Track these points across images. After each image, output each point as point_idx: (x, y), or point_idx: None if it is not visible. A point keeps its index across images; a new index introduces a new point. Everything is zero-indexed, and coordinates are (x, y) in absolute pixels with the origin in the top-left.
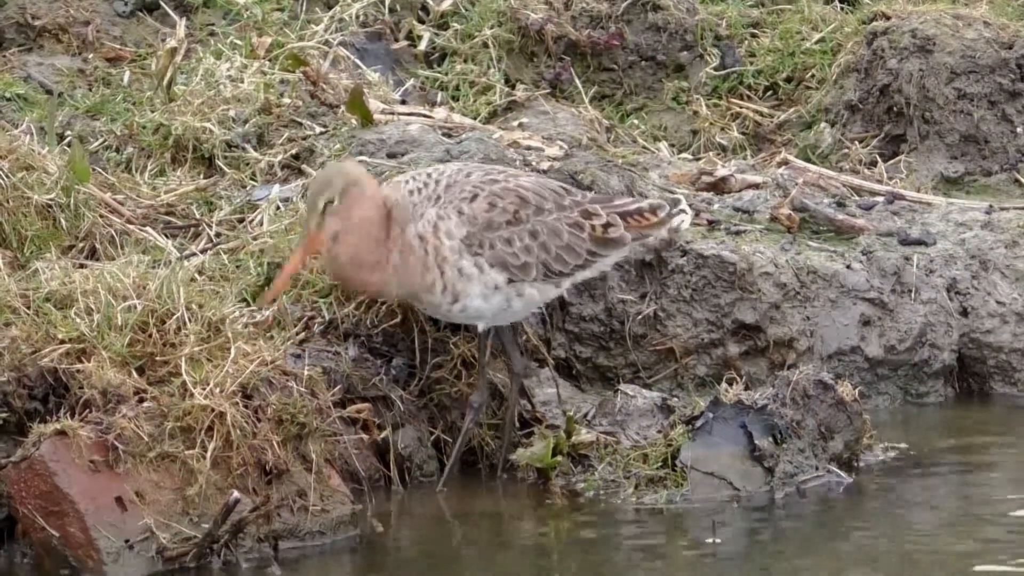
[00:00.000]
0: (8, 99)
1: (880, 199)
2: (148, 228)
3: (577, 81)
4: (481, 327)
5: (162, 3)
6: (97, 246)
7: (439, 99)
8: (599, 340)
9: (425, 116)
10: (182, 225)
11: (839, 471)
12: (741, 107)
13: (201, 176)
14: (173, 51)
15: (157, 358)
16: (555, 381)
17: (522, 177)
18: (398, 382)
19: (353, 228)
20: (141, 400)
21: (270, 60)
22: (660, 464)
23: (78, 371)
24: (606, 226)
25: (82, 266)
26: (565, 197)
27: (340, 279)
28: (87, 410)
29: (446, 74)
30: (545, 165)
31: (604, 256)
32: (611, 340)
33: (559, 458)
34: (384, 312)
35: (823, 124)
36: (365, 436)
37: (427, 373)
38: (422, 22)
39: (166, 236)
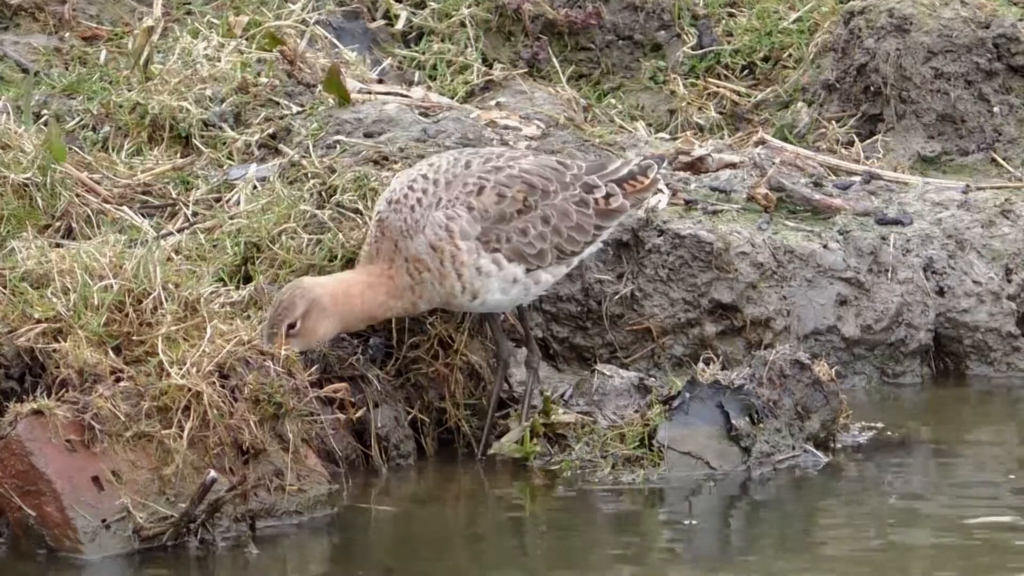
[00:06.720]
0: None
1: (857, 179)
2: (125, 207)
3: (554, 60)
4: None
5: None
6: (73, 225)
7: (416, 78)
8: (576, 320)
9: (402, 95)
10: (159, 204)
11: (815, 451)
12: (718, 87)
13: (178, 155)
14: (150, 30)
15: (134, 338)
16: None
17: (521, 159)
18: (375, 362)
19: (319, 326)
20: (118, 380)
21: (247, 39)
22: (637, 444)
23: (54, 350)
24: (607, 197)
25: (58, 245)
26: (565, 173)
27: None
28: (64, 389)
29: (423, 53)
30: (523, 144)
31: (607, 227)
32: (588, 320)
33: (537, 447)
34: None
35: (800, 104)
36: (342, 416)
37: (404, 353)
38: (399, 1)
39: (143, 215)
